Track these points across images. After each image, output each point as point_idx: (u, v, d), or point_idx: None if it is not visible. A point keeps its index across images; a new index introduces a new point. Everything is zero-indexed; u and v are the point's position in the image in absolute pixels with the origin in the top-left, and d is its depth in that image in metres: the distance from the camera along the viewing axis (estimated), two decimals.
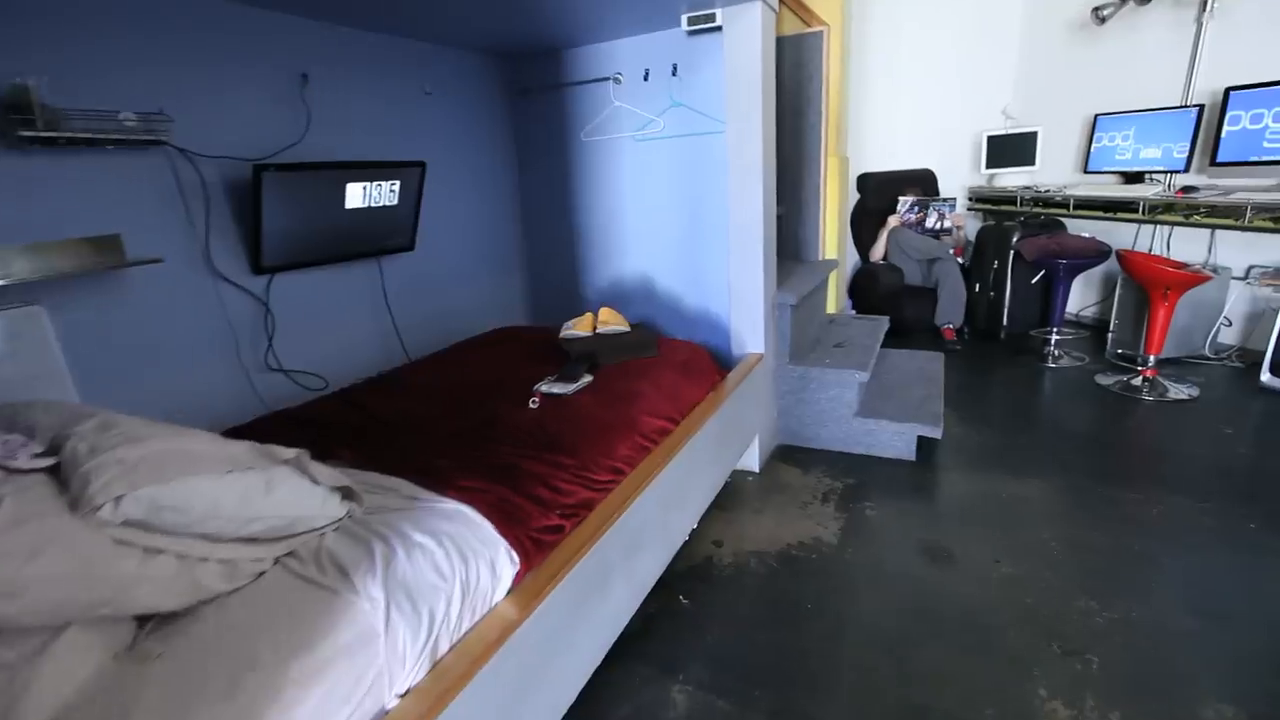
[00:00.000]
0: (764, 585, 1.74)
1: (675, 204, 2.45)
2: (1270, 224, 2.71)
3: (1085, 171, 3.72)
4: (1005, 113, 4.19)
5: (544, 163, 2.70)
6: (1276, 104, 2.81)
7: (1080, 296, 3.89)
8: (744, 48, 2.01)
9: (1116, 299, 3.30)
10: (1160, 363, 2.88)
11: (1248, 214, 2.76)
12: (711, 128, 2.26)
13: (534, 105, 2.64)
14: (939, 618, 1.59)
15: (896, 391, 2.56)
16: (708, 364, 1.98)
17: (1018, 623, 1.55)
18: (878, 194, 4.27)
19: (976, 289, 3.64)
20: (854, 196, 4.38)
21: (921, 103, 4.38)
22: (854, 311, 4.27)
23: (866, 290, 4.09)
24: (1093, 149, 3.66)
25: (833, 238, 3.05)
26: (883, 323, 2.94)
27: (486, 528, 1.05)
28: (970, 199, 4.26)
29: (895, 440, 2.32)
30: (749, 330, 2.27)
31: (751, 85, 2.03)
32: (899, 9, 4.25)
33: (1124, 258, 2.84)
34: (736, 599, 1.69)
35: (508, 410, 1.54)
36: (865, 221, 4.30)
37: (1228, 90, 2.98)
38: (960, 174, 4.37)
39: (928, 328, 3.72)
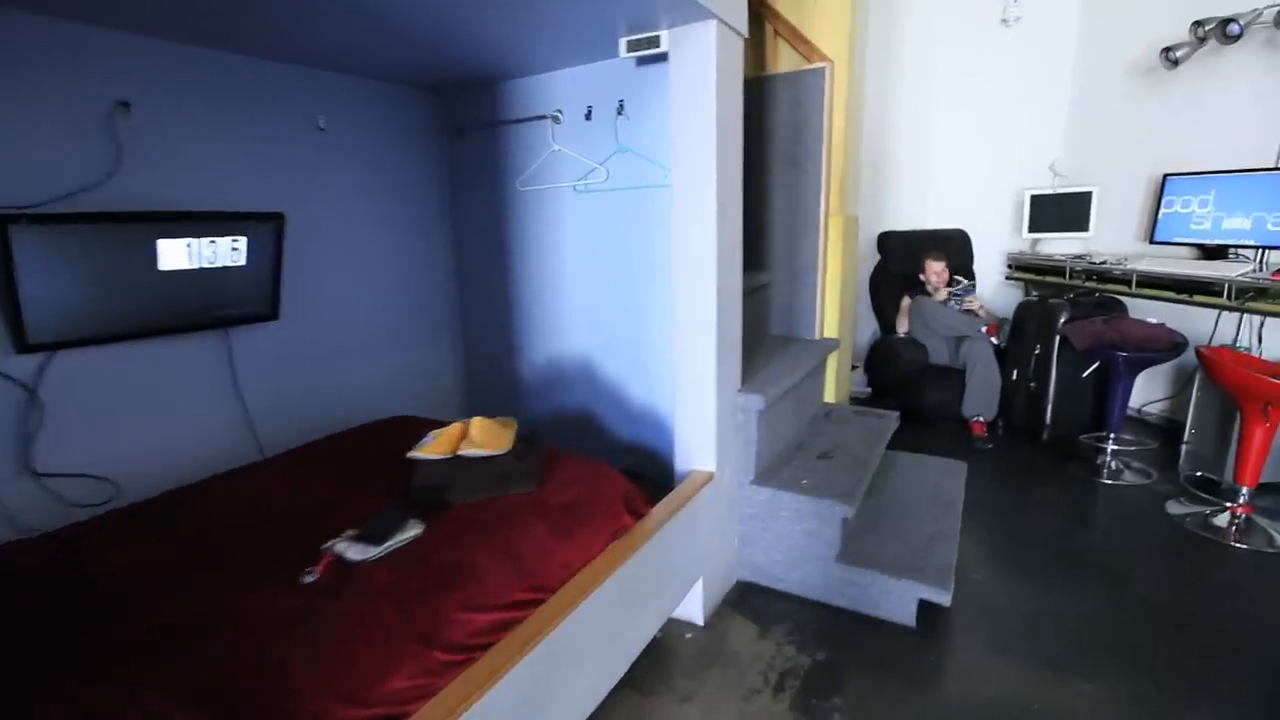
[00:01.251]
0: None
1: (620, 271, 1.97)
2: None
3: (1151, 242, 3.10)
4: (1054, 169, 3.62)
5: (480, 214, 2.27)
6: None
7: (1144, 390, 3.23)
8: (695, 78, 1.54)
9: (1193, 401, 2.64)
10: (1260, 493, 2.22)
11: None
12: (663, 178, 1.79)
13: (469, 146, 2.23)
14: None
15: (899, 521, 1.97)
16: (615, 498, 1.45)
17: None
18: (902, 256, 3.72)
19: (1014, 376, 3.02)
20: (870, 260, 3.85)
21: (955, 154, 3.86)
22: (869, 388, 3.70)
23: (883, 367, 3.52)
24: (1161, 215, 3.05)
25: (833, 311, 2.52)
26: (890, 421, 2.37)
27: None
28: (1010, 266, 3.66)
29: (888, 599, 1.73)
30: (697, 441, 1.74)
31: (704, 125, 1.55)
32: (929, 46, 3.77)
33: (1207, 359, 2.22)
34: None
35: (263, 591, 1.04)
36: (886, 286, 3.75)
37: None
38: (999, 237, 3.79)
39: (953, 418, 3.10)
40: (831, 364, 2.58)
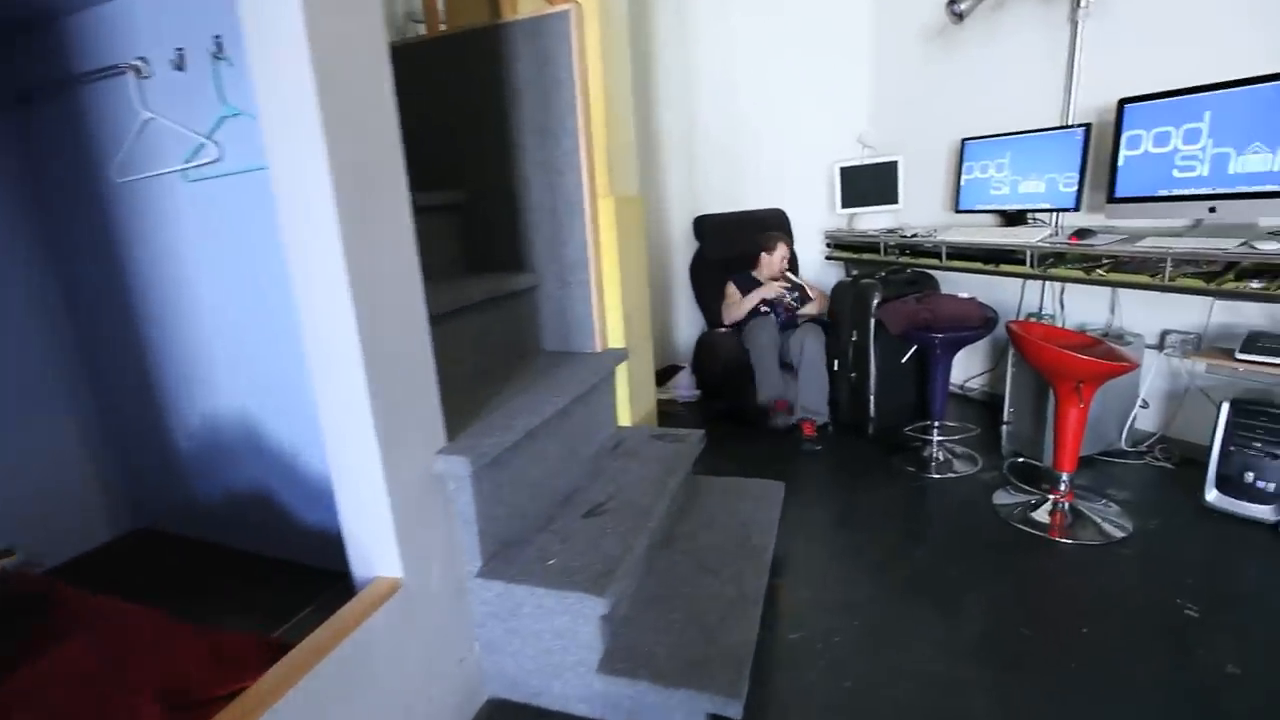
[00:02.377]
0: None
1: (270, 296, 1.35)
2: (1196, 282, 1.94)
3: (957, 210, 2.95)
4: (861, 139, 3.43)
5: (77, 223, 1.54)
6: (1189, 118, 2.08)
7: (966, 364, 3.10)
8: (278, 16, 0.96)
9: (1009, 377, 2.48)
10: (1077, 476, 2.03)
11: (1168, 269, 1.99)
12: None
13: (45, 121, 1.49)
14: None
15: (691, 587, 1.52)
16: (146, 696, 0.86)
17: None
18: (719, 242, 3.38)
19: (835, 367, 2.74)
20: (679, 247, 3.50)
21: (765, 129, 3.57)
22: (698, 390, 3.32)
23: (708, 365, 3.15)
24: (963, 182, 2.90)
25: (616, 314, 2.05)
26: (691, 444, 1.94)
27: None
28: (829, 244, 3.43)
29: (668, 713, 1.27)
30: (369, 536, 1.17)
31: (297, 69, 0.97)
32: (724, 14, 3.44)
33: (1017, 335, 1.99)
34: None
35: None
36: (705, 274, 3.39)
37: (1121, 103, 2.25)
38: (817, 214, 3.55)
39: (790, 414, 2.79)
40: (623, 379, 2.12)
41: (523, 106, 1.95)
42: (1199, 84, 2.05)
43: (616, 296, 2.06)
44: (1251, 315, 2.12)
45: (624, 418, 2.15)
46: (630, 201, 2.15)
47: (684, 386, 3.37)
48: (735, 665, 1.26)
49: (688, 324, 3.73)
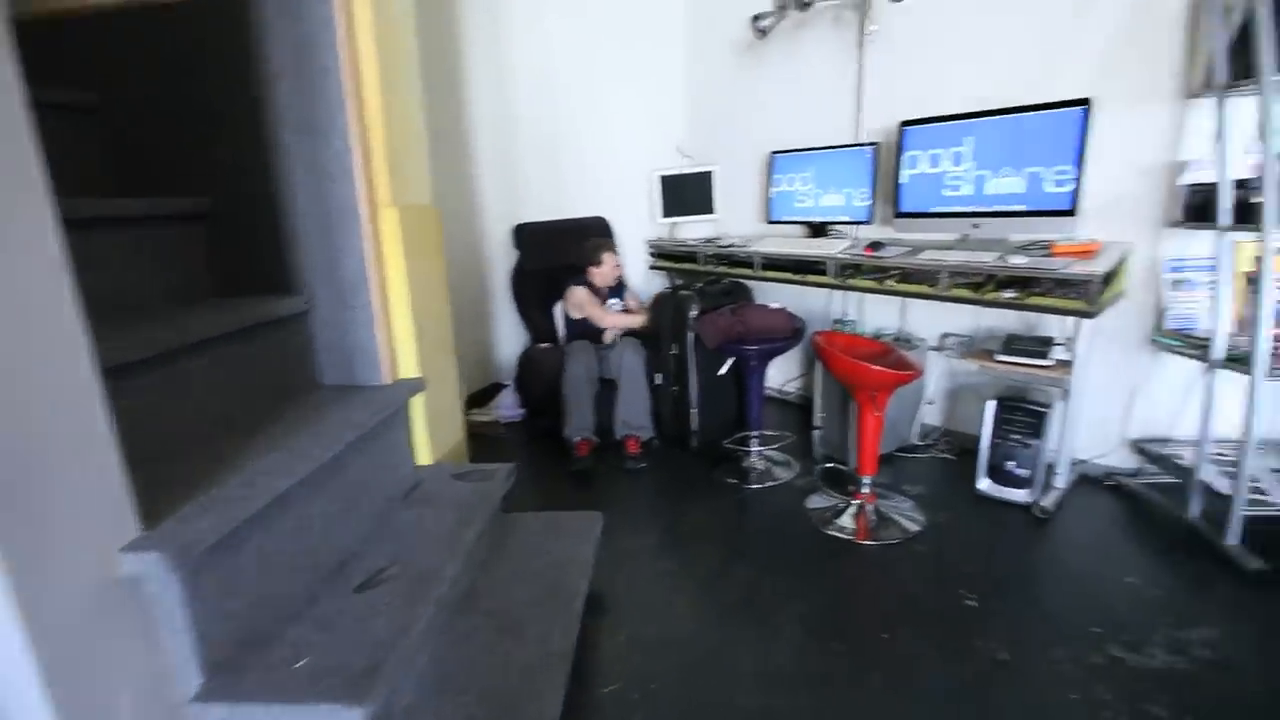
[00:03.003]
0: None
1: None
2: (966, 293, 2.13)
3: (769, 221, 3.05)
4: (680, 149, 3.44)
5: None
6: (955, 142, 2.27)
7: (783, 367, 3.23)
8: None
9: (817, 383, 2.58)
10: (879, 478, 2.14)
11: (943, 280, 2.16)
12: None
13: None
14: None
15: (487, 655, 1.34)
16: None
17: None
18: (539, 251, 3.21)
19: (658, 381, 2.70)
20: (498, 257, 3.30)
21: (583, 136, 3.45)
22: (522, 411, 3.12)
23: (529, 382, 2.97)
24: (773, 194, 3.00)
25: (409, 340, 1.80)
26: (497, 483, 1.75)
27: None
28: (651, 254, 3.41)
29: None
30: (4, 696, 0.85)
31: None
32: (538, 19, 3.27)
33: (820, 347, 2.05)
34: None
35: None
36: (527, 286, 3.21)
37: (902, 125, 2.42)
38: (639, 223, 3.51)
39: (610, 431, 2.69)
40: (420, 411, 1.87)
41: (279, 98, 1.63)
42: (963, 111, 2.25)
43: (407, 319, 1.81)
44: (1011, 320, 2.38)
45: (423, 456, 1.89)
46: (420, 211, 1.90)
47: (507, 406, 3.16)
48: None
49: (510, 339, 3.52)
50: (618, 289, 2.99)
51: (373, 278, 1.71)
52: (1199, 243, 1.96)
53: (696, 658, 1.55)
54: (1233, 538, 1.79)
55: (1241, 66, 1.72)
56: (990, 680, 1.44)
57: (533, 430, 2.99)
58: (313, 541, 1.33)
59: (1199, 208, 1.89)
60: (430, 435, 1.91)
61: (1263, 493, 1.88)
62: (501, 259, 3.40)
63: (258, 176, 1.68)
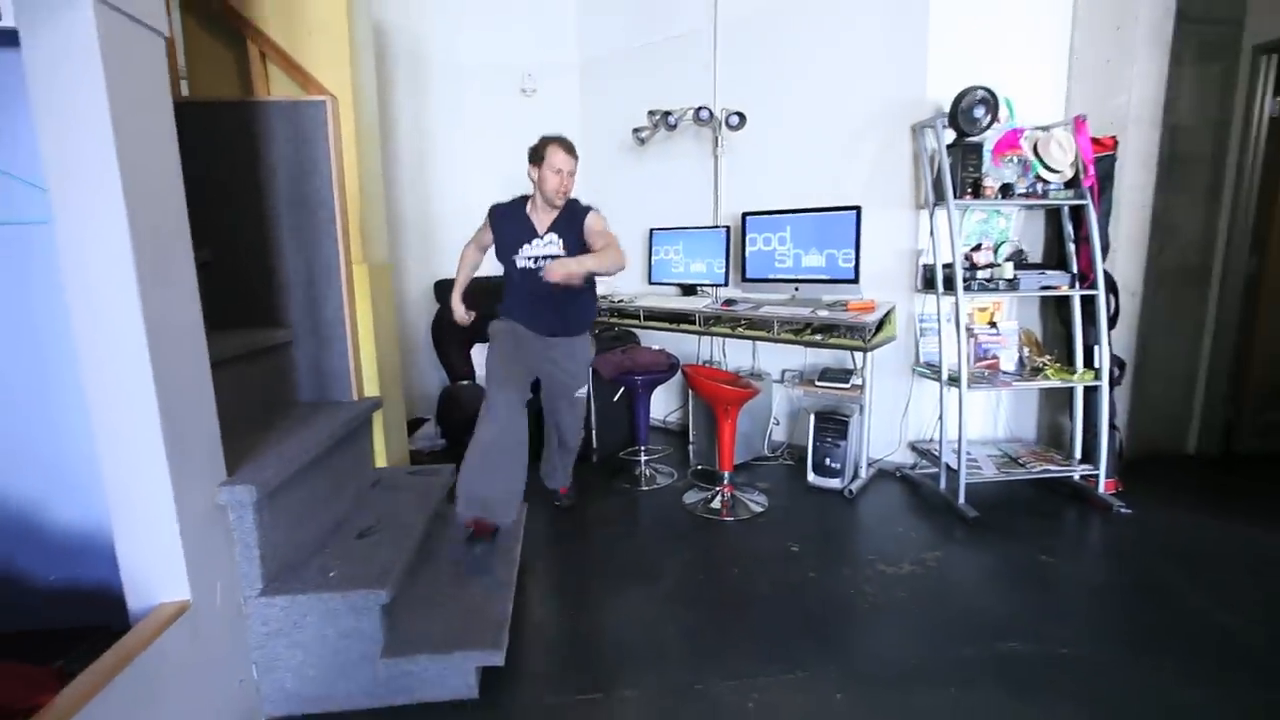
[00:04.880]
0: None
1: (4, 343, 1.36)
2: (791, 336, 2.94)
3: (650, 283, 3.81)
4: None
5: None
6: (779, 229, 3.16)
7: (664, 403, 3.93)
8: (75, 76, 1.12)
9: (692, 409, 3.30)
10: (737, 474, 2.85)
11: (775, 327, 2.97)
12: (36, 209, 1.29)
13: None
14: None
15: (452, 584, 1.84)
16: None
17: None
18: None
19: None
20: (418, 308, 3.78)
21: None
22: (443, 442, 3.57)
23: (449, 415, 3.44)
24: (653, 261, 3.78)
25: (370, 367, 2.29)
26: (442, 476, 2.25)
27: None
28: None
29: (447, 677, 1.57)
30: (154, 563, 1.27)
31: (98, 142, 1.14)
32: (459, 108, 3.93)
33: (688, 375, 2.76)
34: None
35: None
36: (446, 333, 3.71)
37: (743, 215, 3.29)
38: None
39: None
40: (379, 425, 2.34)
41: (278, 179, 2.13)
42: (784, 208, 3.14)
43: (371, 351, 2.31)
44: (825, 357, 3.24)
45: (380, 460, 2.35)
46: (381, 268, 2.44)
47: (428, 437, 3.59)
48: (496, 629, 1.62)
49: (429, 379, 3.96)
50: (566, 218, 2.31)
51: (346, 318, 2.21)
52: (932, 303, 2.91)
53: (603, 593, 2.11)
54: (960, 499, 2.65)
55: (939, 194, 2.71)
56: (804, 588, 2.12)
57: (455, 458, 3.42)
58: (318, 508, 1.78)
59: (928, 280, 2.85)
60: (386, 445, 2.38)
61: (979, 467, 2.78)
62: (421, 308, 3.88)
63: (253, 236, 2.15)
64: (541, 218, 2.39)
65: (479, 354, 3.61)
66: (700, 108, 3.30)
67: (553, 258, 2.26)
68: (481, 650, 1.54)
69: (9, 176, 1.29)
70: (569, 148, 2.31)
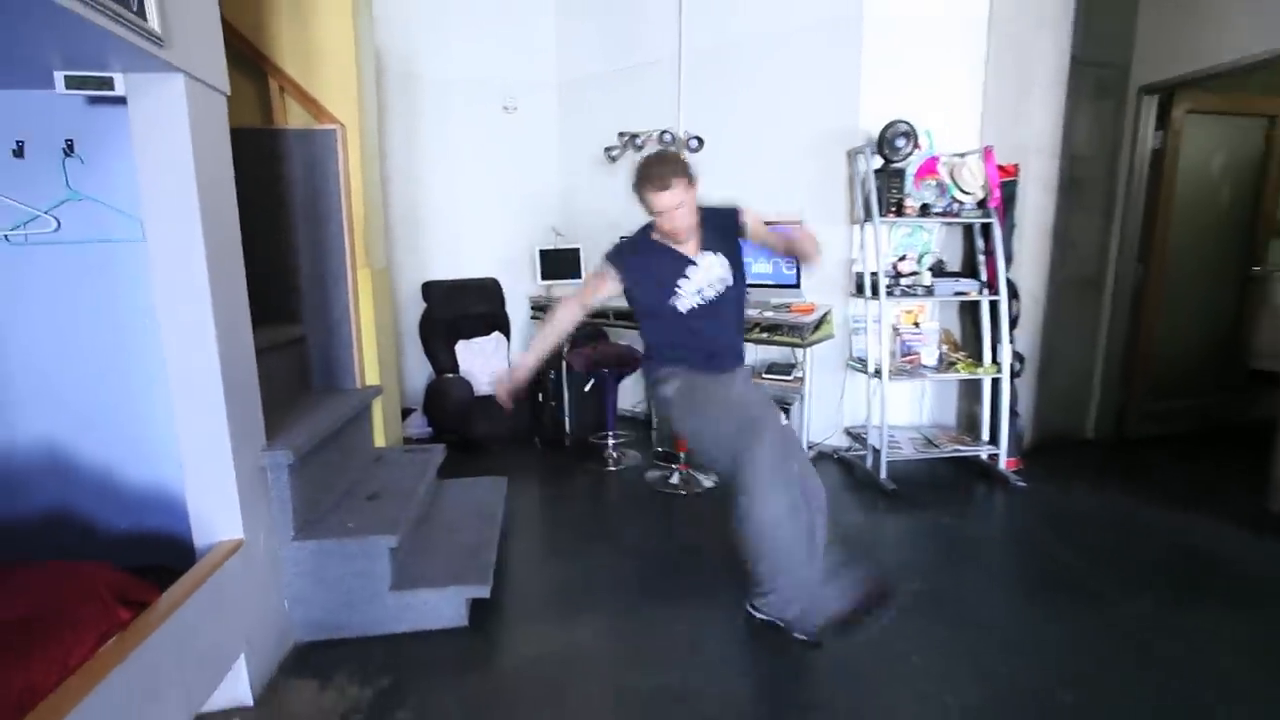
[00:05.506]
0: None
1: (92, 336, 1.69)
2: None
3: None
4: (555, 229, 4.53)
5: None
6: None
7: (631, 394, 4.32)
8: (161, 127, 1.47)
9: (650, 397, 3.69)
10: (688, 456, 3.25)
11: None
12: (137, 232, 1.63)
13: None
14: None
15: (446, 539, 2.21)
16: (96, 595, 1.27)
17: None
18: (444, 303, 4.08)
19: (540, 399, 3.67)
20: (407, 307, 4.10)
21: (481, 215, 4.43)
22: (430, 428, 3.91)
23: (439, 406, 3.78)
24: None
25: (371, 359, 2.64)
26: (435, 453, 2.61)
27: None
28: (533, 308, 4.41)
29: (443, 608, 1.94)
30: (218, 509, 1.62)
31: (178, 176, 1.49)
32: (446, 123, 4.27)
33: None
34: None
35: None
36: (434, 329, 4.05)
37: None
38: (523, 283, 4.52)
39: (508, 439, 3.58)
40: (378, 410, 2.69)
41: (294, 196, 2.47)
42: None
43: (373, 346, 2.66)
44: (774, 353, 3.65)
45: (379, 440, 2.70)
46: (381, 273, 2.79)
47: (417, 426, 3.93)
48: (484, 571, 1.99)
49: (415, 374, 4.29)
50: (712, 230, 1.98)
51: (352, 316, 2.56)
52: (864, 306, 3.34)
53: (574, 551, 2.50)
54: (883, 475, 3.08)
55: (868, 211, 3.13)
56: (739, 546, 2.52)
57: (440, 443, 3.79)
58: (333, 475, 2.14)
59: (859, 286, 3.28)
60: (384, 428, 2.73)
61: (900, 448, 3.22)
62: (408, 308, 4.21)
63: (271, 245, 2.48)
64: (686, 243, 1.94)
65: (462, 349, 3.95)
66: (664, 131, 3.69)
67: (720, 280, 1.93)
68: (471, 585, 1.92)
69: (106, 205, 1.63)
70: (663, 181, 1.81)
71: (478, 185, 4.39)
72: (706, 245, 1.95)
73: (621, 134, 3.87)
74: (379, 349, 2.69)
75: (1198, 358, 3.82)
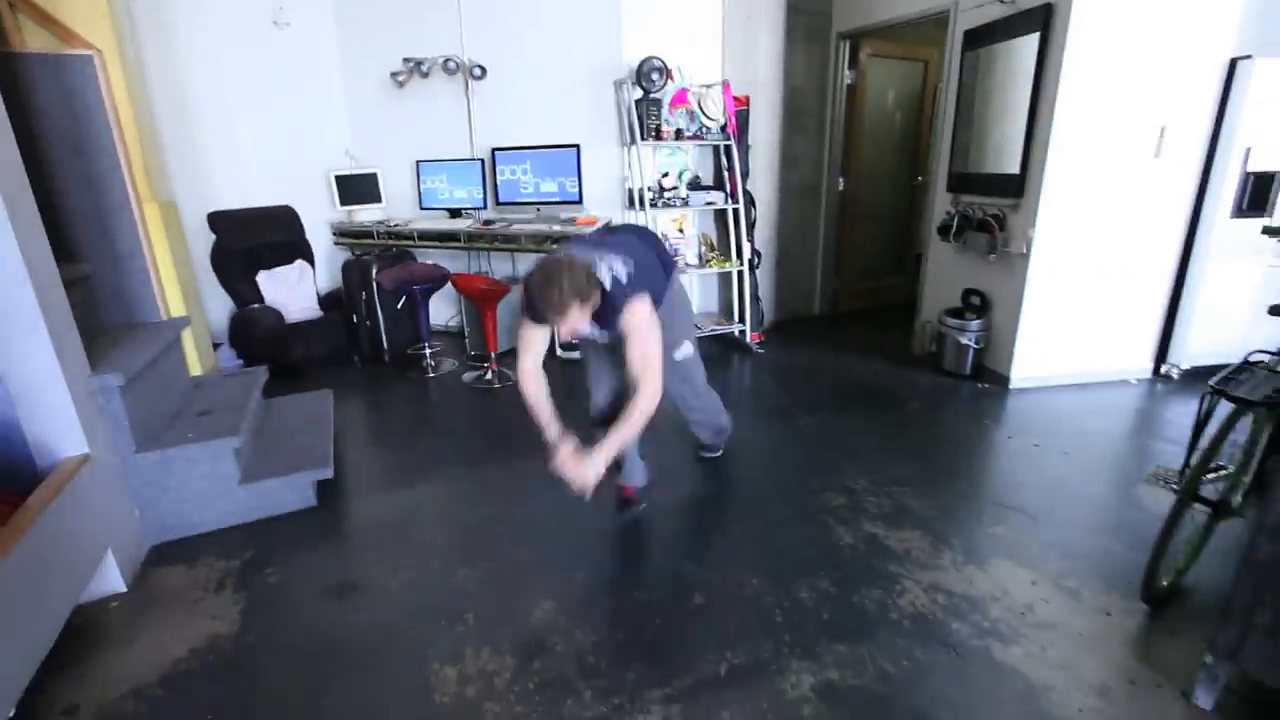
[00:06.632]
0: None
1: None
2: (534, 247, 3.83)
3: (422, 208, 4.40)
4: (348, 154, 4.53)
5: None
6: (522, 162, 3.96)
7: (443, 311, 4.64)
8: None
9: (463, 309, 4.09)
10: (500, 355, 3.75)
11: (523, 240, 3.84)
12: None
13: None
14: (349, 647, 1.70)
15: (284, 441, 2.52)
16: None
17: (412, 616, 1.81)
18: (237, 234, 4.00)
19: (354, 319, 3.89)
20: (195, 239, 3.97)
21: (264, 140, 4.28)
22: (239, 362, 3.95)
23: (244, 337, 3.83)
24: (422, 189, 4.36)
25: (174, 291, 2.71)
26: (259, 374, 2.82)
27: None
28: (335, 234, 4.46)
29: (290, 493, 2.30)
30: (58, 431, 1.81)
31: None
32: (211, 39, 4.00)
33: (454, 280, 3.53)
34: None
35: None
36: (229, 262, 3.98)
37: (493, 150, 4.02)
38: (321, 210, 4.50)
39: (326, 361, 3.78)
40: (189, 341, 2.80)
41: (50, 129, 2.39)
42: (523, 145, 3.93)
43: (173, 278, 2.72)
44: None
45: (195, 371, 2.83)
46: (169, 205, 2.80)
47: (226, 359, 3.93)
48: (324, 457, 2.37)
49: (216, 307, 4.20)
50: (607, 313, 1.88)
51: (145, 249, 2.60)
52: (635, 217, 3.97)
53: (401, 442, 2.93)
54: None
55: (633, 136, 3.70)
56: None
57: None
58: (158, 400, 2.32)
59: (631, 200, 3.89)
60: (199, 359, 2.85)
61: None
62: (196, 239, 4.05)
63: (35, 183, 2.41)
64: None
65: (265, 279, 3.96)
66: (448, 59, 3.88)
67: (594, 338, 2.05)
68: (315, 469, 2.30)
69: None
70: (554, 312, 1.75)
71: (255, 109, 4.21)
72: (597, 320, 1.89)
73: (406, 60, 3.97)
74: (183, 280, 2.75)
75: (885, 248, 5.08)
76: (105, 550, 1.88)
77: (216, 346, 4.00)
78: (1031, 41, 2.98)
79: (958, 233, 3.54)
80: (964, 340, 3.51)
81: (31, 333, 1.73)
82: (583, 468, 1.89)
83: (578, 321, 1.79)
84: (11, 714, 1.41)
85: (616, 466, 2.28)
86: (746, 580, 1.93)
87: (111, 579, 1.91)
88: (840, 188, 4.68)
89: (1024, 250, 3.19)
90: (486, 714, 1.48)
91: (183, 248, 2.85)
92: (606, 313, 1.87)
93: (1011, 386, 3.40)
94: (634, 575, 2.06)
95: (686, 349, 2.30)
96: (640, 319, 1.88)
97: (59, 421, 1.81)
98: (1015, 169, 3.17)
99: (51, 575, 1.62)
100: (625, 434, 1.91)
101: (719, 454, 2.71)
